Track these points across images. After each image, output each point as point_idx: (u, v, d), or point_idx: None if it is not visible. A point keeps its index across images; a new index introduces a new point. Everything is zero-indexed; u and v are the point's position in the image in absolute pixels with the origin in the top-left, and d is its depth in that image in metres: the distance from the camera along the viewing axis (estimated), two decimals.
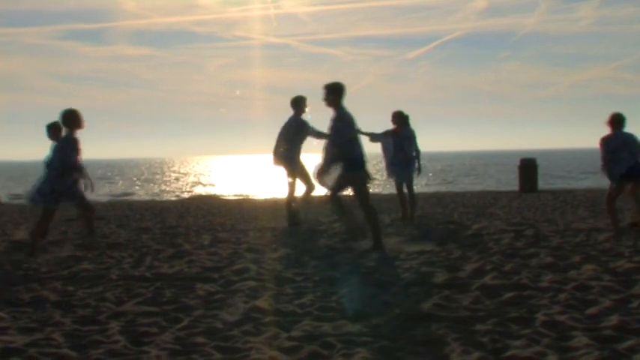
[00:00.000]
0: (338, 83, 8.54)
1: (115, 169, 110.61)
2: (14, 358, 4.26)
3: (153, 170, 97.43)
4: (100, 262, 8.27)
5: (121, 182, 58.92)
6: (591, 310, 5.18)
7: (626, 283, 6.17)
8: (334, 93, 8.47)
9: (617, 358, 3.94)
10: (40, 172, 9.36)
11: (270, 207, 18.31)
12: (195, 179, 65.34)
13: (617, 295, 5.68)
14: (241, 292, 6.24)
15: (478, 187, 36.45)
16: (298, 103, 11.45)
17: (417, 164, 12.18)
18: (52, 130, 10.30)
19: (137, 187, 49.31)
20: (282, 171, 11.68)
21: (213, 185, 51.15)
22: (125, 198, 33.36)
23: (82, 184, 9.17)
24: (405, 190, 12.36)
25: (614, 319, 4.82)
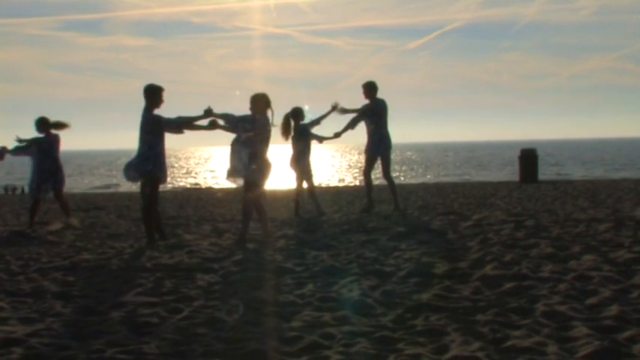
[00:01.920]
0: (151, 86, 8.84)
1: (110, 159, 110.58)
2: (15, 349, 4.27)
3: None
4: (100, 253, 8.28)
5: (102, 172, 58.78)
6: (591, 301, 5.18)
7: (626, 273, 6.17)
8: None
9: (617, 348, 3.95)
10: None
11: (269, 198, 18.30)
12: (192, 170, 65.29)
13: (617, 285, 5.68)
14: (241, 283, 6.25)
15: (478, 178, 36.46)
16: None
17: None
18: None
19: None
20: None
21: (205, 177, 51.10)
22: (104, 191, 32.81)
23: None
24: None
25: (614, 310, 4.83)
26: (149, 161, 8.72)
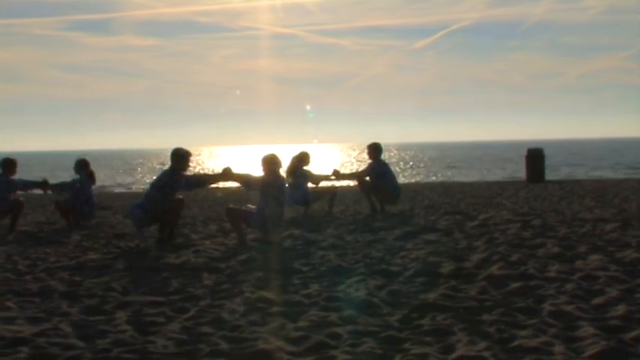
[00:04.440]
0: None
1: (115, 159, 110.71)
2: (22, 348, 4.28)
3: (148, 161, 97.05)
4: (106, 253, 8.30)
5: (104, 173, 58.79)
6: (598, 300, 5.17)
7: (632, 273, 6.16)
8: None
9: (624, 348, 3.94)
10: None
11: None
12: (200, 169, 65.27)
13: (623, 285, 5.67)
14: (248, 283, 6.25)
15: (485, 177, 36.41)
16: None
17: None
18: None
19: (119, 180, 49.09)
20: None
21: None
22: (109, 191, 32.62)
23: None
24: None
25: (620, 309, 4.82)
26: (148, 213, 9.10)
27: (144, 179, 46.36)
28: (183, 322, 4.90)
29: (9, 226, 10.86)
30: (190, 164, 9.35)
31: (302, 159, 12.35)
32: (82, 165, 11.43)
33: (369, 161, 12.75)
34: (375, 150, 12.68)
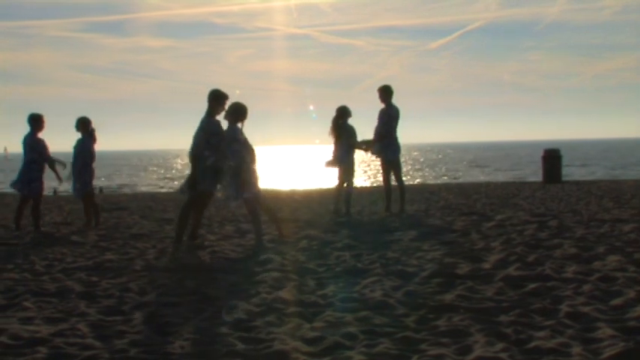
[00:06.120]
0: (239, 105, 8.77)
1: (125, 160, 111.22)
2: (40, 348, 4.31)
3: (164, 162, 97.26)
4: (123, 253, 8.33)
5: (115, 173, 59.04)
6: (616, 301, 5.13)
7: None
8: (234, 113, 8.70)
9: None
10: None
11: (291, 198, 18.34)
12: None
13: None
14: (264, 283, 6.26)
15: (501, 178, 36.28)
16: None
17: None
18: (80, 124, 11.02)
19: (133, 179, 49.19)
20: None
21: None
22: (126, 191, 32.59)
23: None
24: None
25: (638, 311, 4.78)
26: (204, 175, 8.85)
27: (148, 181, 46.33)
28: (199, 323, 4.92)
29: (33, 225, 11.01)
30: (225, 106, 8.82)
31: (344, 111, 12.00)
32: (84, 123, 11.37)
33: (382, 106, 12.09)
34: (386, 92, 12.04)
